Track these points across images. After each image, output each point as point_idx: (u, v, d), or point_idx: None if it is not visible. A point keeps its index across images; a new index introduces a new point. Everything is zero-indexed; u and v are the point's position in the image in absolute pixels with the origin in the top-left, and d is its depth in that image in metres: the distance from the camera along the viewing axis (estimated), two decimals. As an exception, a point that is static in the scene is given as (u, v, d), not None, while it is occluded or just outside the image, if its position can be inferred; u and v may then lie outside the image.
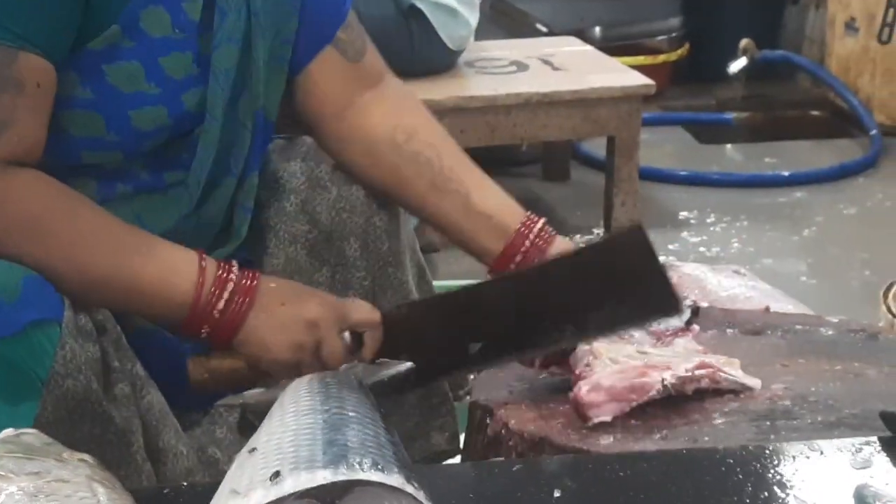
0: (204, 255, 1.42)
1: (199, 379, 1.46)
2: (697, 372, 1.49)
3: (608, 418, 1.42)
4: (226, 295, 1.40)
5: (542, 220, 1.62)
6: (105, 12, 1.38)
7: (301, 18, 1.56)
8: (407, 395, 1.60)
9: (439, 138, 1.65)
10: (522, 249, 1.59)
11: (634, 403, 1.44)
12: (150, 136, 1.46)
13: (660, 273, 1.40)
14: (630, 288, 1.41)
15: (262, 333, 1.42)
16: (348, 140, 1.62)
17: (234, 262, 1.44)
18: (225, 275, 1.41)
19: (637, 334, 1.54)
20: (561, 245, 1.61)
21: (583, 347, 1.50)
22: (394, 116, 1.63)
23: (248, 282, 1.42)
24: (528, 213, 1.62)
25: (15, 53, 1.32)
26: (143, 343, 1.44)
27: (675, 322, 1.60)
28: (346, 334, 1.47)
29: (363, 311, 1.49)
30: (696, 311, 1.66)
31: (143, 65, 1.42)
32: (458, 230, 1.62)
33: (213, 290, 1.40)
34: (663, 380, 1.45)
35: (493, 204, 1.62)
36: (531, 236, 1.59)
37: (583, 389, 1.43)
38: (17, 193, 1.34)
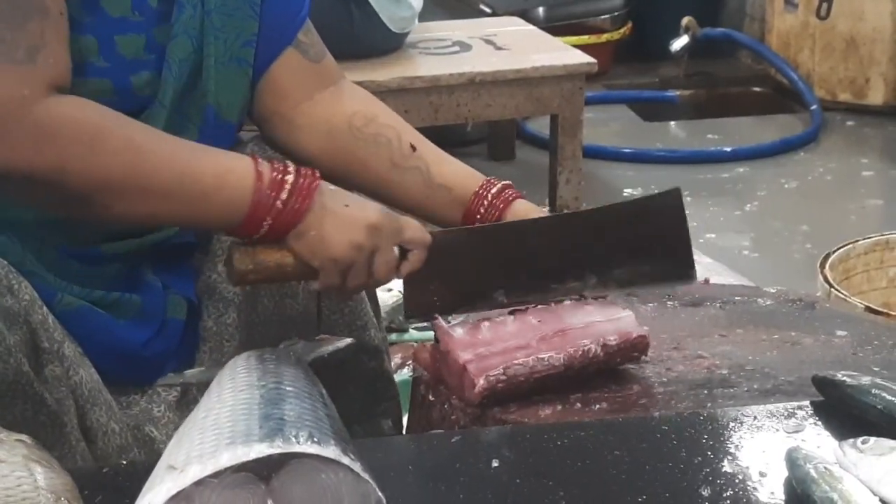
0: (255, 155, 1.42)
1: (243, 269, 1.41)
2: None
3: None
4: (287, 186, 1.38)
5: (502, 184, 1.63)
6: None
7: (261, 21, 1.55)
8: (349, 371, 1.60)
9: (399, 122, 1.66)
10: (478, 216, 1.61)
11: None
12: None
13: (686, 240, 1.45)
14: (656, 249, 1.47)
15: (324, 228, 1.39)
16: (305, 127, 1.61)
17: (289, 161, 1.43)
18: (283, 167, 1.40)
19: None
20: (523, 207, 1.62)
21: None
22: (352, 104, 1.64)
23: (310, 174, 1.40)
24: (489, 178, 1.64)
25: None
26: (75, 322, 1.43)
27: None
28: (395, 248, 1.46)
29: (416, 229, 1.48)
30: None
31: (98, 40, 1.42)
32: (420, 205, 1.64)
33: (274, 175, 1.38)
34: None
35: (453, 176, 1.63)
36: (487, 199, 1.61)
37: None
38: (72, 114, 1.32)
